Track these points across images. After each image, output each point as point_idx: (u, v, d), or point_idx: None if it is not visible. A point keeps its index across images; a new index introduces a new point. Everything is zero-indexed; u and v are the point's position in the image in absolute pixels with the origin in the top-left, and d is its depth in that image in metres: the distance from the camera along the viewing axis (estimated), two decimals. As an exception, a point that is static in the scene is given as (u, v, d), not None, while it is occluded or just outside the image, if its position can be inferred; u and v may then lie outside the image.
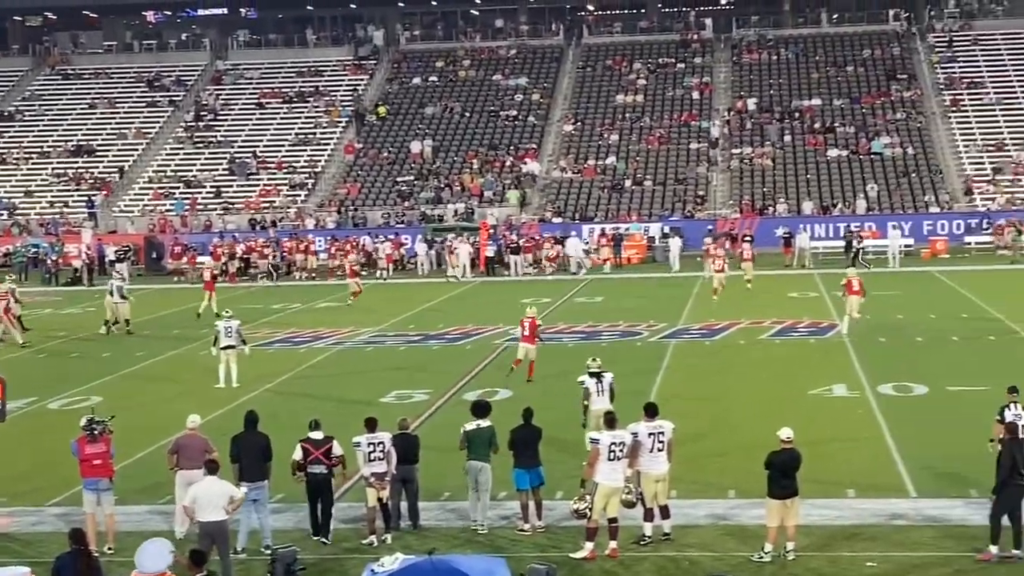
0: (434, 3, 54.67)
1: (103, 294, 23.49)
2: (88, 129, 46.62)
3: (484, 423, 9.21)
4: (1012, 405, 9.52)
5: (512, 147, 44.07)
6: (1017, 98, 42.87)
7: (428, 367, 17.88)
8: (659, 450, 8.70)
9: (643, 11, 53.36)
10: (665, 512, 8.68)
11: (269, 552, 7.48)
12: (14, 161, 44.80)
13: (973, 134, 41.63)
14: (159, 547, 4.93)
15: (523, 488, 8.84)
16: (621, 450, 8.40)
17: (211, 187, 43.13)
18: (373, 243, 34.41)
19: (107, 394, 15.39)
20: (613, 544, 8.26)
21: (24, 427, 13.31)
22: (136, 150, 45.35)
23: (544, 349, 16.65)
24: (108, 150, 45.39)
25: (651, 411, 9.03)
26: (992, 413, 10.04)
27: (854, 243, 31.04)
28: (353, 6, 54.64)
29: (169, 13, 54.07)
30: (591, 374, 11.31)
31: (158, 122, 46.91)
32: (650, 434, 8.68)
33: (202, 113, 47.50)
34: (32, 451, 12.20)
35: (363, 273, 29.20)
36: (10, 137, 46.40)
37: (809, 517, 9.04)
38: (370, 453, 8.61)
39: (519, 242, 33.28)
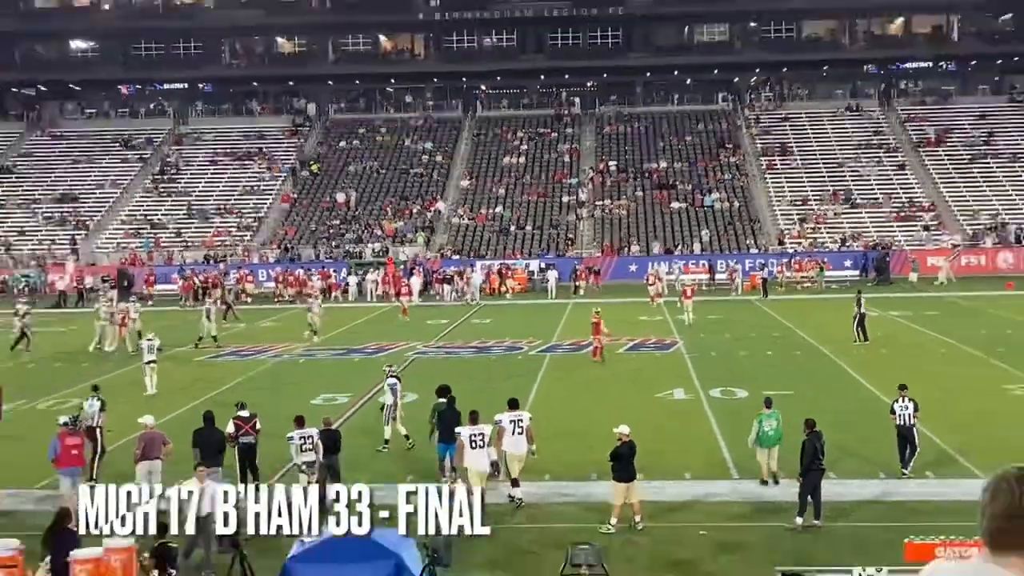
0: (357, 82, 57.41)
1: (87, 316, 24.79)
2: (72, 180, 48.68)
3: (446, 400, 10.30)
4: (901, 399, 10.19)
5: (420, 198, 46.38)
6: (817, 163, 47.35)
7: (350, 375, 18.47)
8: (519, 433, 9.42)
9: (525, 90, 56.46)
10: (516, 483, 9.44)
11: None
12: (10, 207, 46.64)
13: (784, 191, 45.53)
14: None
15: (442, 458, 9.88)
16: (481, 440, 9.00)
17: (173, 228, 44.96)
18: (306, 274, 36.13)
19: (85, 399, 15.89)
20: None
21: (14, 424, 13.42)
22: (111, 198, 47.21)
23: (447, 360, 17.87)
24: (89, 197, 47.32)
25: (513, 404, 9.94)
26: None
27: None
28: (291, 83, 57.47)
29: (139, 86, 57.92)
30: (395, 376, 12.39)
31: (130, 175, 49.16)
32: (511, 421, 9.32)
33: (166, 168, 50.00)
34: (19, 444, 12.38)
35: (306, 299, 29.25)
36: (7, 187, 48.16)
37: (655, 494, 9.33)
38: (301, 445, 9.22)
39: (450, 274, 34.25)
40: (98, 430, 10.62)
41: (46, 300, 33.93)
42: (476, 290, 33.02)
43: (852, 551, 7.97)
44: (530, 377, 17.09)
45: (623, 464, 8.43)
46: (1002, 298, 29.00)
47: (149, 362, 15.95)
